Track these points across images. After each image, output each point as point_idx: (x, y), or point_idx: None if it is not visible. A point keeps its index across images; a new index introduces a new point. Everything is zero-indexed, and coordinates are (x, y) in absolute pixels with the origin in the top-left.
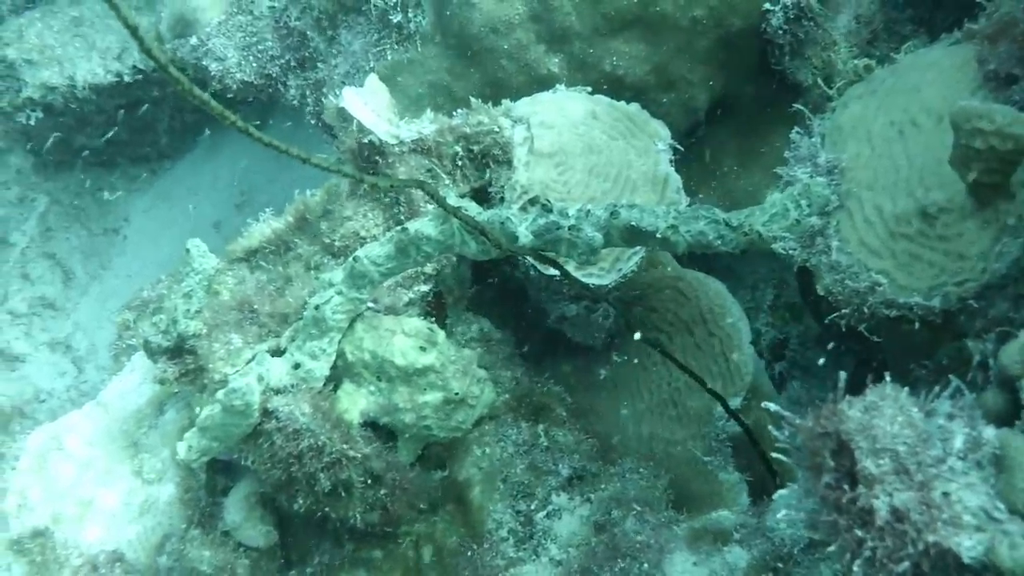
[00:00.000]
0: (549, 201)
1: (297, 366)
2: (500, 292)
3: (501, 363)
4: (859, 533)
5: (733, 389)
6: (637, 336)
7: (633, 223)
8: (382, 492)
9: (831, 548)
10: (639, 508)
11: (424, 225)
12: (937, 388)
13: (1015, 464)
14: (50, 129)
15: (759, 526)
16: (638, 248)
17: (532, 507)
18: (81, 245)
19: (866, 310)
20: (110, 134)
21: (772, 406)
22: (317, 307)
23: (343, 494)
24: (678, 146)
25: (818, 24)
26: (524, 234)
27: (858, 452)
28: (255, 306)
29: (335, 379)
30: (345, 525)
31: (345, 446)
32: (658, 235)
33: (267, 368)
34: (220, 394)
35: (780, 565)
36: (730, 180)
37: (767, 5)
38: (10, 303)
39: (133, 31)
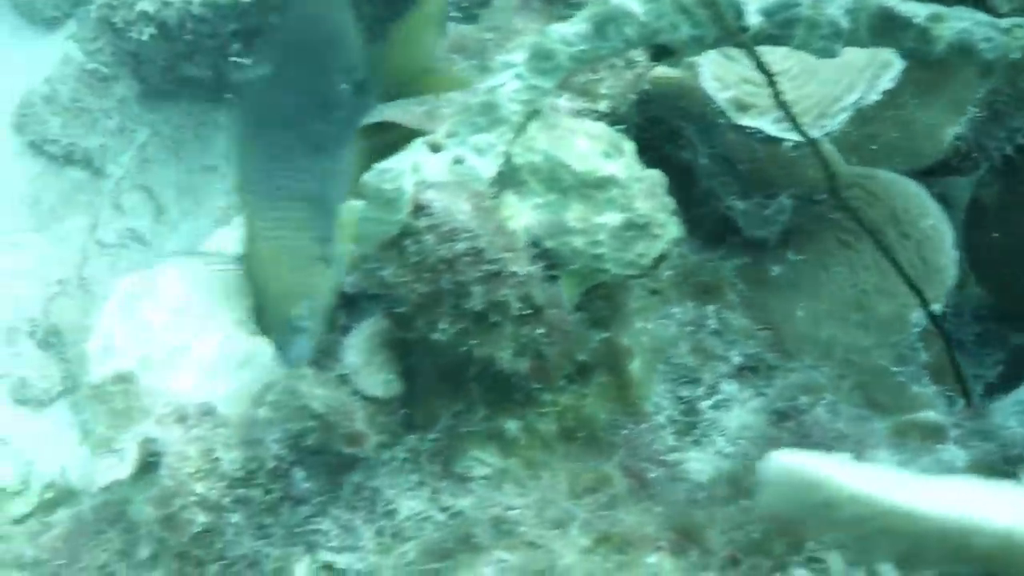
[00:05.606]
0: None
1: (459, 161)
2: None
3: None
4: None
5: (933, 294)
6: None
7: (888, 4)
8: (538, 331)
9: None
10: (831, 398)
11: (628, 1)
12: None
13: None
14: (160, 55)
15: (980, 427)
16: (850, 101)
17: (697, 394)
18: (178, 180)
19: None
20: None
21: None
22: (491, 90)
23: (495, 322)
24: None
25: None
26: (753, 12)
27: None
28: None
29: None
30: (488, 373)
31: (509, 255)
32: (917, 22)
33: (422, 159)
34: (369, 175)
35: (1008, 468)
36: (906, 112)
37: None
38: (99, 233)
39: None
